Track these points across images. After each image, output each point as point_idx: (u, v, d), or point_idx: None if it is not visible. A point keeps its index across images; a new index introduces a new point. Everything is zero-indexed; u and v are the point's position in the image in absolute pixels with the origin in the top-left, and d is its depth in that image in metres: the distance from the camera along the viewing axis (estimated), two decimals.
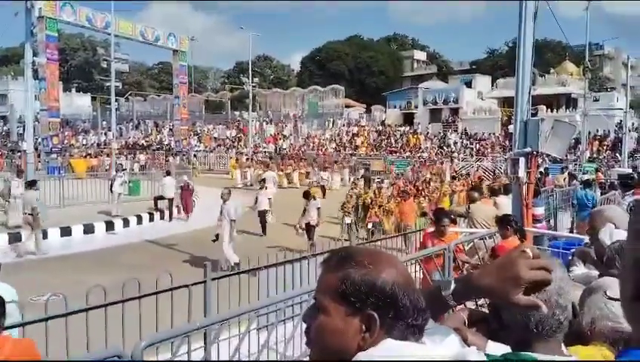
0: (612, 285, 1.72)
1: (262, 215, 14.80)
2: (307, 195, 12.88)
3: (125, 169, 22.88)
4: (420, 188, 17.48)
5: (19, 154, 31.30)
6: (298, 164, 32.08)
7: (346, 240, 12.16)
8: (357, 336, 1.05)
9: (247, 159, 33.41)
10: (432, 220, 7.26)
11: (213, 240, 10.92)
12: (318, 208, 12.49)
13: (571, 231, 10.74)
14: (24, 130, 25.32)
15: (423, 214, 13.87)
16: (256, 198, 15.07)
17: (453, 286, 1.24)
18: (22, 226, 12.26)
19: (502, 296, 1.13)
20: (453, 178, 21.03)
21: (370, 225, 13.61)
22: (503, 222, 5.65)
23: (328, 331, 1.07)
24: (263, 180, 17.54)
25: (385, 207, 13.76)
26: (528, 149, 6.48)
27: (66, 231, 14.06)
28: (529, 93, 6.77)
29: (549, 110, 35.14)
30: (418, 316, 1.07)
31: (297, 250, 10.10)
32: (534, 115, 6.93)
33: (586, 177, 18.61)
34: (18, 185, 14.12)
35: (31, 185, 12.75)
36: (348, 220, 13.48)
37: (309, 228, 12.32)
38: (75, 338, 3.72)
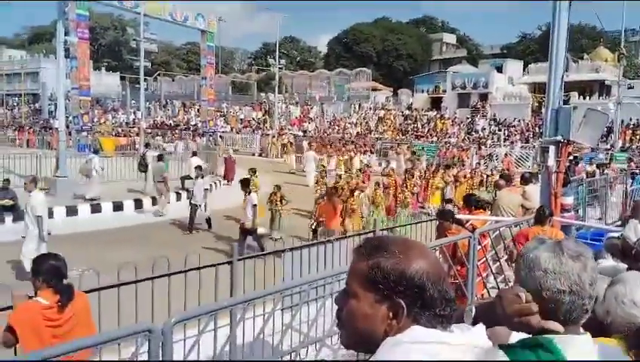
0: (637, 279, 1.73)
1: (193, 209, 12.79)
2: (245, 185, 10.70)
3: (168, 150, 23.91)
4: (403, 179, 14.63)
5: (50, 131, 32.03)
6: (359, 148, 30.21)
7: (271, 238, 10.97)
8: (384, 322, 1.09)
9: (309, 143, 32.17)
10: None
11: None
12: (254, 205, 10.05)
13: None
14: (55, 107, 25.87)
15: (448, 201, 13.61)
16: (192, 191, 13.38)
17: (473, 313, 1.31)
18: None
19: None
20: (446, 167, 18.32)
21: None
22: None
23: (357, 315, 1.11)
24: (199, 167, 14.37)
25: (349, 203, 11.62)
26: (559, 137, 6.37)
27: (95, 208, 14.41)
28: (562, 79, 6.62)
29: (581, 97, 34.32)
30: (446, 306, 1.10)
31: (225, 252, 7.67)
32: (566, 101, 6.78)
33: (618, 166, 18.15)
34: (99, 161, 16.04)
35: (159, 158, 16.09)
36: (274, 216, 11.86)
37: (244, 231, 10.07)
38: (106, 312, 3.86)
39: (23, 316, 3.21)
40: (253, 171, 14.35)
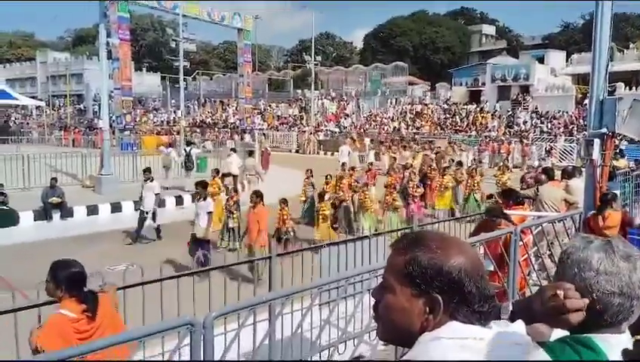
0: None
1: (141, 217, 11.79)
2: (201, 188, 9.57)
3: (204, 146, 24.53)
4: (406, 178, 13.54)
5: (95, 130, 33.07)
6: (414, 146, 28.02)
7: (229, 249, 9.60)
8: (421, 317, 1.09)
9: (372, 140, 31.48)
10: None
11: None
12: (210, 213, 9.08)
13: None
14: (99, 108, 26.66)
15: (489, 197, 13.21)
16: (141, 195, 12.23)
17: (511, 309, 1.27)
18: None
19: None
20: (459, 164, 16.32)
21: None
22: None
23: (394, 309, 1.12)
24: (148, 169, 12.97)
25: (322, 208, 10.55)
26: (604, 130, 6.15)
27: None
28: (606, 69, 6.39)
29: (627, 88, 33.05)
30: (484, 303, 1.09)
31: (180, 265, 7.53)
32: (612, 92, 6.53)
33: None
34: (177, 156, 18.34)
35: (250, 154, 18.59)
36: (231, 224, 10.35)
37: (196, 241, 8.83)
38: (149, 306, 3.97)
39: (52, 332, 2.98)
40: (216, 171, 13.66)
